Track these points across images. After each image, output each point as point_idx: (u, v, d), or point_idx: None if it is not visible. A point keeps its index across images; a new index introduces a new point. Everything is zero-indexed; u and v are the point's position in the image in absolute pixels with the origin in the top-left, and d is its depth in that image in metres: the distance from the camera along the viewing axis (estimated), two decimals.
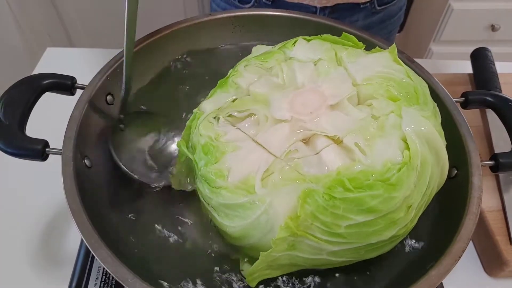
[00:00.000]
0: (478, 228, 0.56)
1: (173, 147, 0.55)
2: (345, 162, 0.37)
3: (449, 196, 0.46)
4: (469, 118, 0.49)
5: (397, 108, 0.39)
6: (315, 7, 0.69)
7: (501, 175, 0.58)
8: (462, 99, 0.51)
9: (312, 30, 0.55)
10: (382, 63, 0.44)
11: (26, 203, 0.60)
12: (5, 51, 1.26)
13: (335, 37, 0.49)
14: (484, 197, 0.57)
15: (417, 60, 0.55)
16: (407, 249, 0.46)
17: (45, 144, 0.44)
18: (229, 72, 0.49)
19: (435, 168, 0.39)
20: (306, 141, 0.41)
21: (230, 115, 0.44)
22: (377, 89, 0.41)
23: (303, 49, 0.48)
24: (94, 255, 0.37)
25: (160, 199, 0.50)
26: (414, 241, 0.46)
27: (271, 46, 0.51)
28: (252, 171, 0.38)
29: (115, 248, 0.39)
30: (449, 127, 0.48)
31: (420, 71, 0.53)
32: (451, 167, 0.47)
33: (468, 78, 0.75)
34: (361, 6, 0.70)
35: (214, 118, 0.44)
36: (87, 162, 0.47)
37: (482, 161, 0.45)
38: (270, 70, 0.48)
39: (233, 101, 0.45)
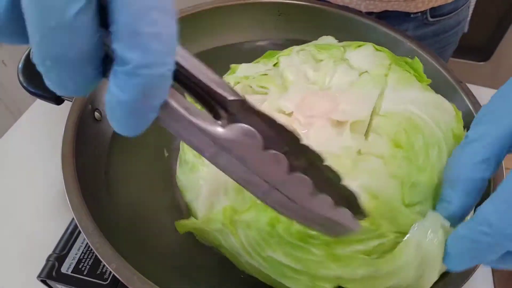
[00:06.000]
0: None
1: None
2: None
3: None
4: None
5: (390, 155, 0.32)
6: (361, 12, 0.61)
7: None
8: None
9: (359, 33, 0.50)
10: (425, 103, 0.35)
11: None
12: None
13: (405, 59, 0.41)
14: None
15: None
16: None
17: None
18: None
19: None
20: None
21: (249, 86, 0.43)
22: (387, 126, 0.34)
23: (362, 55, 0.42)
24: (69, 203, 0.35)
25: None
26: None
27: (337, 41, 0.46)
28: None
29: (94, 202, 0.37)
30: None
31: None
32: None
33: None
34: (412, 15, 0.62)
35: (238, 82, 0.44)
36: (96, 115, 0.46)
37: None
38: (318, 62, 0.44)
39: (263, 75, 0.43)
